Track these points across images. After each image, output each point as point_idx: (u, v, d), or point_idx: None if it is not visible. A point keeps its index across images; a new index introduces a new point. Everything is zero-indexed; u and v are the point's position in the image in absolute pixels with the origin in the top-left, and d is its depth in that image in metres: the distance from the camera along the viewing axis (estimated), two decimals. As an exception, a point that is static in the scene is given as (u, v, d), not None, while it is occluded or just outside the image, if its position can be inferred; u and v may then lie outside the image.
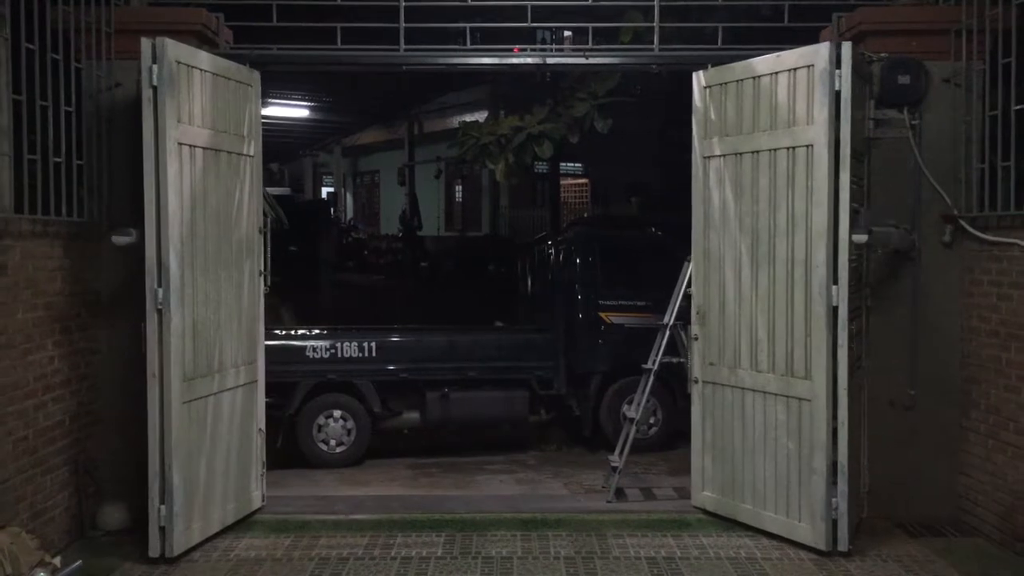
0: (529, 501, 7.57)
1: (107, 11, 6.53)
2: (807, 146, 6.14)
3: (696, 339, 6.98)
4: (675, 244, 9.71)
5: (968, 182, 6.63)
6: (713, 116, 6.81)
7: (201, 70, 6.30)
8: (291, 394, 8.87)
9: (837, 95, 6.02)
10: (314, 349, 9.01)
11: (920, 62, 6.71)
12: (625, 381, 9.11)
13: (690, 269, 7.72)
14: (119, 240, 6.24)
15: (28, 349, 5.85)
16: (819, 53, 6.08)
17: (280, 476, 8.39)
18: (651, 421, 9.30)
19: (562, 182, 21.37)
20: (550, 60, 7.56)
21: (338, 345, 9.03)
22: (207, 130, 6.35)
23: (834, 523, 6.13)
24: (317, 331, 9.31)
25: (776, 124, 6.35)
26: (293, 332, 9.45)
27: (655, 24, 7.23)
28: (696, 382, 7.00)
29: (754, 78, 6.49)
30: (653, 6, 7.22)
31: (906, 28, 6.71)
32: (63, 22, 6.13)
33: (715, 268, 6.86)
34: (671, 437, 9.41)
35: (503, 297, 12.29)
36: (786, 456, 6.36)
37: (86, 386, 6.51)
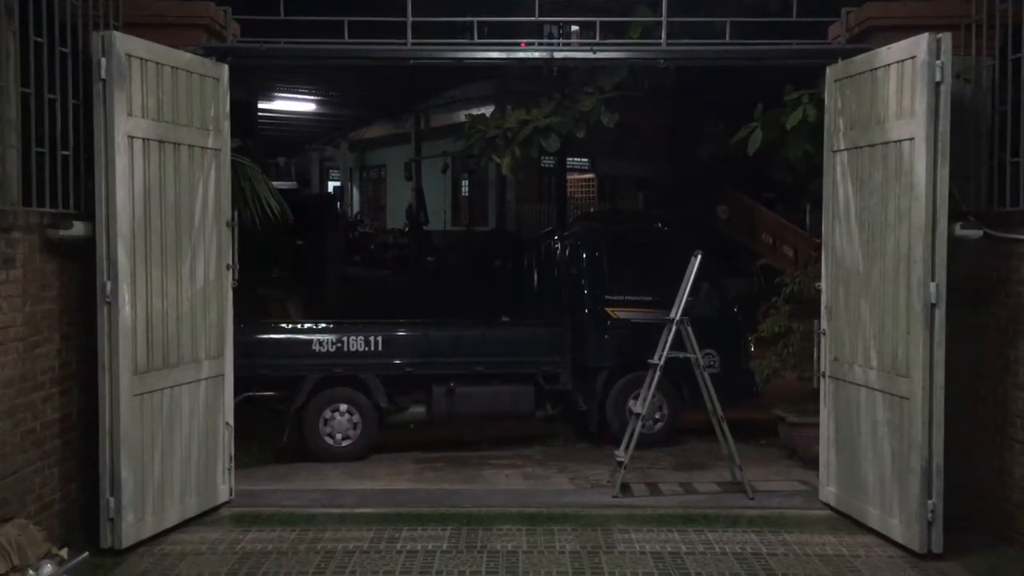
0: (535, 496, 7.58)
1: (115, 5, 6.53)
2: (909, 139, 6.12)
3: (824, 334, 7.01)
4: (682, 239, 9.72)
5: (977, 178, 6.60)
6: (840, 110, 6.85)
7: (157, 63, 6.29)
8: (297, 388, 8.88)
9: (937, 86, 5.99)
10: (320, 343, 9.00)
11: (929, 57, 6.68)
12: (631, 376, 9.10)
13: (696, 264, 7.73)
14: (54, 234, 6.00)
15: (36, 342, 5.87)
16: (920, 45, 6.06)
17: (287, 470, 8.42)
18: (657, 416, 9.28)
19: (569, 177, 21.36)
20: (557, 55, 7.57)
21: (344, 339, 9.02)
22: (164, 123, 6.35)
23: (929, 524, 6.05)
24: (323, 325, 9.31)
25: (887, 117, 6.36)
26: (299, 326, 9.44)
27: (663, 19, 7.21)
28: (823, 376, 7.03)
29: (871, 71, 6.50)
30: (661, 1, 7.19)
31: (915, 23, 6.66)
32: (71, 16, 6.13)
33: (840, 263, 6.88)
34: (676, 432, 9.41)
35: (509, 292, 12.29)
36: (889, 454, 6.33)
37: (94, 379, 6.52)
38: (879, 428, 6.43)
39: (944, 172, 6.01)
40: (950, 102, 6.01)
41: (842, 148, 6.83)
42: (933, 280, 6.02)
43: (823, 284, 7.09)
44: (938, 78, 6.00)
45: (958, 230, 6.22)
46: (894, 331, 6.29)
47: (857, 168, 6.67)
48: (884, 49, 6.41)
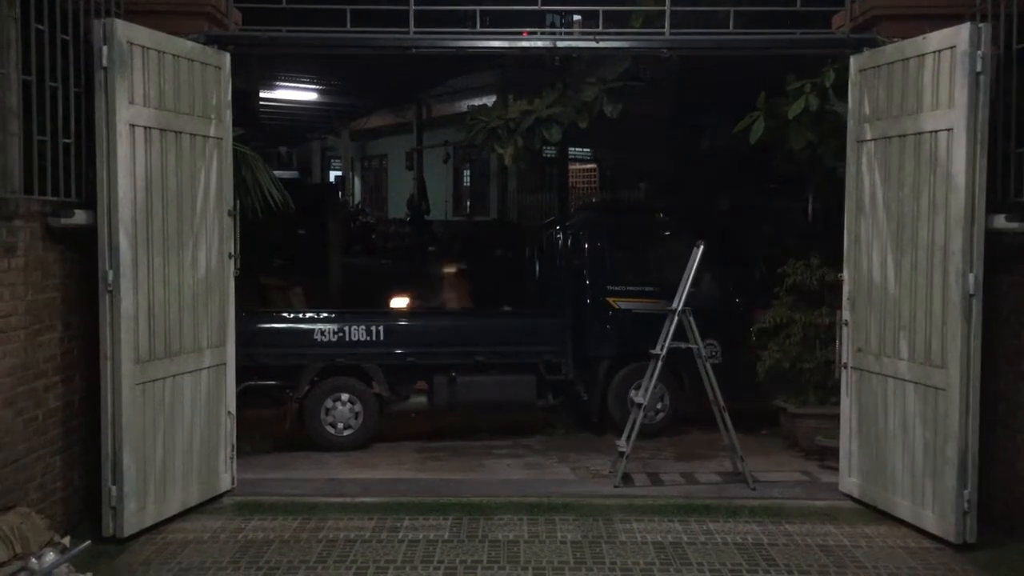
0: (536, 485, 7.59)
1: (117, -8, 6.51)
2: (948, 130, 6.08)
3: (847, 324, 6.98)
4: (684, 229, 9.69)
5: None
6: (866, 100, 6.81)
7: (159, 51, 6.28)
8: (299, 377, 8.88)
9: (978, 77, 5.95)
10: (322, 332, 9.01)
11: (933, 47, 6.64)
12: (633, 366, 9.10)
13: (698, 254, 7.71)
14: (55, 222, 6.01)
15: (39, 330, 5.87)
16: (960, 34, 6.01)
17: (289, 459, 8.44)
18: (658, 407, 9.29)
19: (570, 167, 21.25)
20: (560, 44, 7.52)
21: (346, 329, 9.03)
22: (166, 112, 6.35)
23: (964, 514, 6.05)
24: (325, 314, 9.31)
25: (921, 107, 6.31)
26: (301, 315, 9.45)
27: (666, 8, 7.18)
28: (845, 367, 7.00)
29: (902, 61, 6.45)
30: (664, -10, 7.16)
31: (920, 12, 6.66)
32: (72, 3, 6.11)
33: (864, 254, 6.85)
34: (678, 423, 9.41)
35: (511, 282, 12.27)
36: (921, 444, 6.31)
37: (96, 368, 6.51)
38: (909, 419, 6.40)
39: (983, 163, 5.98)
40: (989, 92, 5.98)
41: (868, 138, 6.77)
42: (971, 271, 5.99)
43: (845, 274, 7.03)
44: (979, 68, 5.95)
45: (1002, 222, 6.14)
46: (927, 322, 6.25)
47: (885, 159, 6.62)
48: (919, 39, 6.35)
